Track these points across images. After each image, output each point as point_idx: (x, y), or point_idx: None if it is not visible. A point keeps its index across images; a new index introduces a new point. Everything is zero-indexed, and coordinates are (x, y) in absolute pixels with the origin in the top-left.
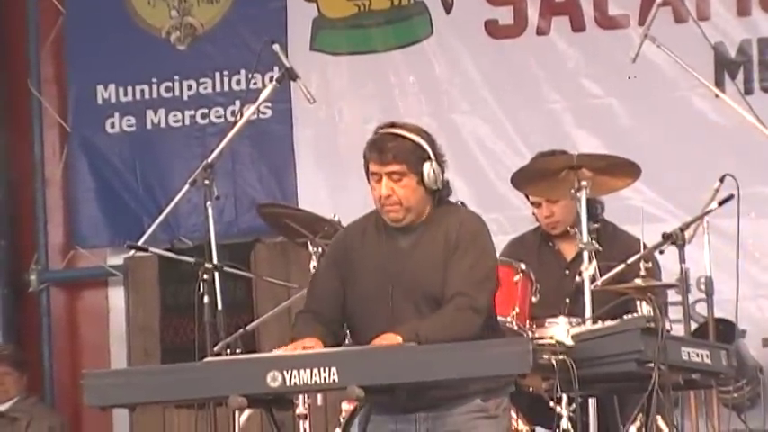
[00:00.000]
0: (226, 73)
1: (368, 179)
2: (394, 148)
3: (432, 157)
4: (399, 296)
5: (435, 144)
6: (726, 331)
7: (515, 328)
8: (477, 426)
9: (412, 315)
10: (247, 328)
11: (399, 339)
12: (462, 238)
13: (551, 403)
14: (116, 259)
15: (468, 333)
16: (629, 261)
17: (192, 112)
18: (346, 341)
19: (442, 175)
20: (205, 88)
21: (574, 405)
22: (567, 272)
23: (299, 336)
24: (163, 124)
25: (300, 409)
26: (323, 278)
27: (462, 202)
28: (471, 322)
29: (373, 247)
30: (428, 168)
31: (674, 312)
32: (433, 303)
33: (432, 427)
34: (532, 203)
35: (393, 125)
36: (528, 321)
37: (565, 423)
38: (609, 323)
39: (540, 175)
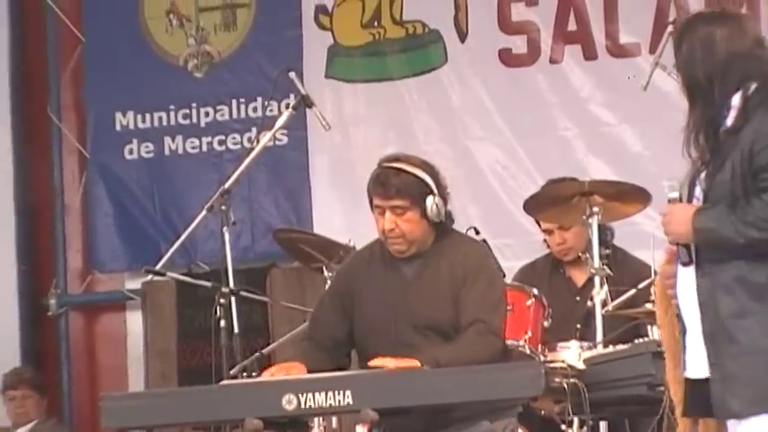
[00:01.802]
0: (242, 100)
1: (372, 210)
2: (397, 184)
3: (434, 191)
4: (403, 325)
5: (438, 176)
6: None
7: (527, 351)
8: None
9: (415, 343)
10: (263, 351)
11: (418, 364)
12: (470, 271)
13: (563, 426)
14: (134, 283)
15: (491, 356)
16: (640, 286)
17: (209, 139)
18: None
19: (445, 207)
20: (222, 115)
21: (585, 428)
22: (578, 298)
23: (290, 360)
24: (180, 150)
25: None
26: (325, 308)
27: (475, 228)
28: (493, 346)
29: (378, 276)
30: (431, 202)
31: None
32: (436, 332)
33: None
34: (544, 231)
35: (396, 159)
36: (540, 345)
37: None
38: (620, 347)
39: (552, 202)
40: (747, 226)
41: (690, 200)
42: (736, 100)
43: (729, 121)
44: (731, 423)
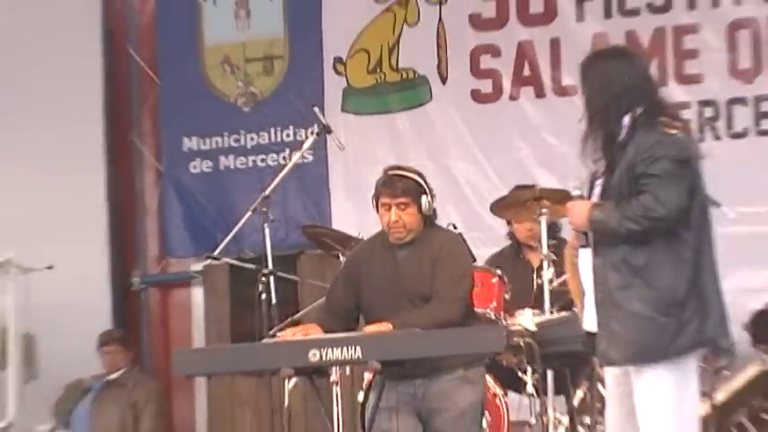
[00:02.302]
0: (278, 128)
1: (376, 209)
2: (402, 185)
3: (427, 191)
4: (397, 295)
5: (427, 182)
6: None
7: (493, 317)
8: (460, 389)
9: (407, 308)
10: (294, 317)
11: (390, 327)
12: (442, 254)
13: (520, 374)
14: (197, 266)
15: (449, 318)
16: None
17: (254, 158)
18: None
19: (433, 204)
20: (263, 139)
21: (536, 375)
22: (534, 276)
23: (309, 322)
24: (231, 166)
25: (334, 378)
26: (339, 285)
27: (454, 224)
28: (450, 312)
29: (379, 259)
30: (425, 200)
31: None
32: (422, 300)
33: (426, 390)
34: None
35: (399, 168)
36: (502, 312)
37: (530, 388)
38: (562, 314)
39: (512, 204)
40: (628, 220)
41: (590, 198)
42: (626, 120)
43: (620, 138)
44: (616, 370)
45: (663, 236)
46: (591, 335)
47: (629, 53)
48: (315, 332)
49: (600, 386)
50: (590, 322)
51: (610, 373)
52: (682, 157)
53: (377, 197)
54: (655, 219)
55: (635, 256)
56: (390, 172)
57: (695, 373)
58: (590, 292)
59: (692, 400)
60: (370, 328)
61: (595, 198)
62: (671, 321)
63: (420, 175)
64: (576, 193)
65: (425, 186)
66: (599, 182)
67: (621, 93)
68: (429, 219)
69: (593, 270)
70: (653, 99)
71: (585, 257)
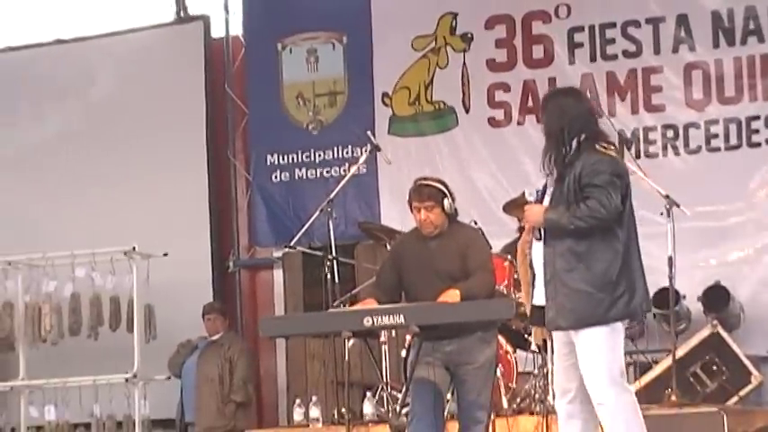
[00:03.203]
0: (340, 147)
1: (411, 210)
2: (427, 192)
3: (448, 195)
4: (430, 275)
5: (449, 188)
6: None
7: (505, 292)
8: (480, 347)
9: (437, 285)
10: (352, 293)
11: (457, 293)
12: (470, 243)
13: (525, 335)
14: (278, 253)
15: (491, 284)
16: None
17: (321, 170)
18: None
19: (454, 205)
20: (328, 156)
21: None
22: None
23: (365, 297)
24: (304, 177)
25: (383, 339)
26: (386, 268)
27: (475, 221)
28: (491, 280)
29: (415, 247)
30: (447, 202)
31: None
32: (450, 278)
33: (453, 348)
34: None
35: (425, 178)
36: (513, 288)
37: (533, 346)
38: None
39: (519, 205)
40: (577, 219)
41: (542, 201)
42: (574, 144)
43: (569, 157)
44: (561, 333)
45: (600, 231)
46: (539, 308)
47: (579, 93)
48: (371, 304)
49: None
50: (539, 298)
51: (556, 337)
52: (617, 172)
53: (410, 202)
54: (598, 219)
55: (578, 245)
56: (418, 182)
57: (622, 334)
58: (540, 275)
59: (619, 354)
60: (443, 297)
61: (546, 202)
62: (605, 297)
63: (442, 182)
64: (530, 198)
65: (447, 191)
66: (550, 190)
67: (572, 121)
68: (452, 216)
69: (544, 257)
70: (594, 129)
71: (538, 248)
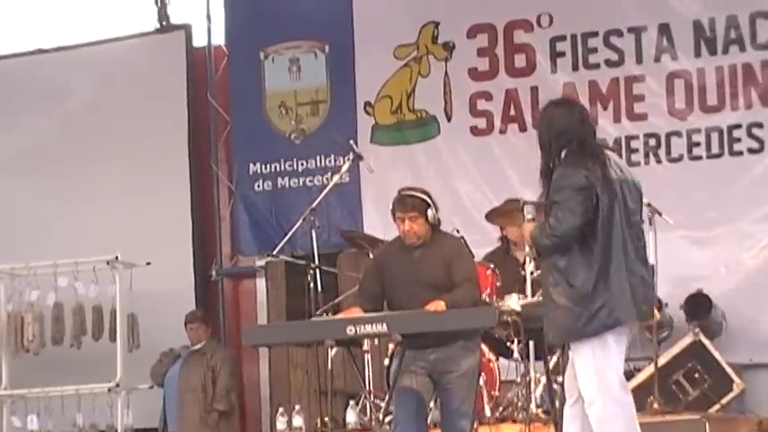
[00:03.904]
0: (323, 156)
1: (394, 220)
2: (411, 202)
3: (432, 205)
4: (413, 284)
5: (432, 198)
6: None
7: (488, 300)
8: (463, 355)
9: (421, 295)
10: (335, 301)
11: (443, 305)
12: (455, 253)
13: (508, 344)
14: (261, 262)
15: (475, 297)
16: None
17: (303, 179)
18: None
19: (437, 215)
20: (311, 165)
21: (521, 344)
22: (520, 269)
23: (349, 306)
24: (287, 186)
25: (365, 347)
26: (368, 277)
27: (457, 230)
28: (476, 291)
29: (399, 257)
30: (431, 213)
31: None
32: (433, 288)
33: (436, 357)
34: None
35: (409, 188)
36: (495, 297)
37: (516, 355)
38: (541, 298)
39: (501, 214)
40: (544, 237)
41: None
42: (563, 155)
43: (554, 167)
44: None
45: (578, 244)
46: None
47: (570, 103)
48: (356, 313)
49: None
50: None
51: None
52: (579, 186)
53: (393, 212)
54: (556, 236)
55: (560, 260)
56: (402, 192)
57: (612, 345)
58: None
59: (612, 365)
60: (429, 306)
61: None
62: (583, 311)
63: (426, 192)
64: (528, 217)
65: (430, 201)
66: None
67: (559, 133)
68: (435, 226)
69: (541, 272)
70: (582, 139)
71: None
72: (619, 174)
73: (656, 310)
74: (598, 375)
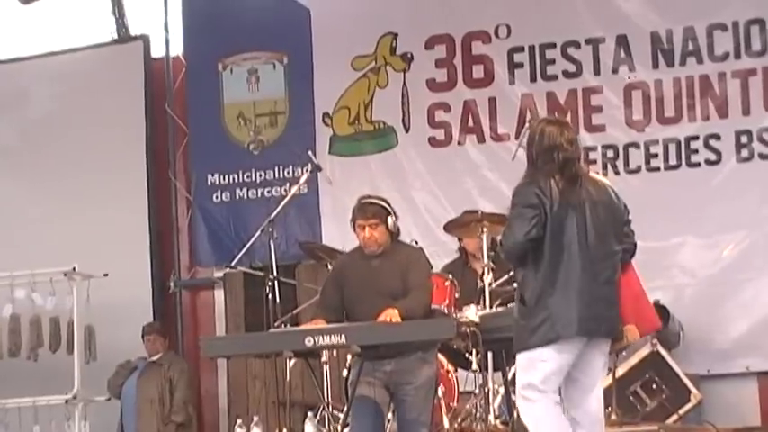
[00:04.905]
0: (281, 167)
1: (353, 228)
2: (372, 210)
3: (392, 214)
4: (372, 293)
5: (392, 206)
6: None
7: (446, 312)
8: (420, 366)
9: (379, 304)
10: (293, 312)
11: (396, 312)
12: (411, 261)
13: (466, 355)
14: (219, 273)
15: (427, 302)
16: (511, 273)
17: (262, 190)
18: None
19: (397, 223)
20: (269, 176)
21: (479, 356)
22: (478, 280)
23: (312, 317)
24: (245, 197)
25: (324, 359)
26: (327, 287)
27: (416, 240)
28: (427, 297)
29: (357, 266)
30: (391, 221)
31: None
32: (391, 297)
33: (393, 368)
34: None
35: (369, 197)
36: (453, 308)
37: (474, 366)
38: (498, 309)
39: (461, 225)
40: (500, 249)
41: None
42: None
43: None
44: None
45: (530, 261)
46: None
47: (561, 122)
48: (320, 324)
49: None
50: None
51: None
52: (526, 202)
53: (354, 220)
54: (506, 252)
55: (518, 274)
56: (362, 200)
57: (547, 357)
58: None
59: (542, 374)
60: (381, 317)
61: None
62: (526, 324)
63: (386, 201)
64: None
65: (391, 210)
66: None
67: (547, 149)
68: (395, 235)
69: None
70: (567, 158)
71: None
72: (592, 195)
73: (634, 329)
74: (520, 381)
